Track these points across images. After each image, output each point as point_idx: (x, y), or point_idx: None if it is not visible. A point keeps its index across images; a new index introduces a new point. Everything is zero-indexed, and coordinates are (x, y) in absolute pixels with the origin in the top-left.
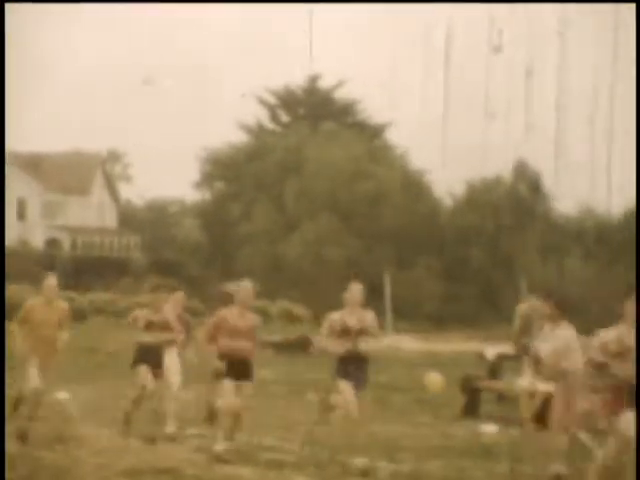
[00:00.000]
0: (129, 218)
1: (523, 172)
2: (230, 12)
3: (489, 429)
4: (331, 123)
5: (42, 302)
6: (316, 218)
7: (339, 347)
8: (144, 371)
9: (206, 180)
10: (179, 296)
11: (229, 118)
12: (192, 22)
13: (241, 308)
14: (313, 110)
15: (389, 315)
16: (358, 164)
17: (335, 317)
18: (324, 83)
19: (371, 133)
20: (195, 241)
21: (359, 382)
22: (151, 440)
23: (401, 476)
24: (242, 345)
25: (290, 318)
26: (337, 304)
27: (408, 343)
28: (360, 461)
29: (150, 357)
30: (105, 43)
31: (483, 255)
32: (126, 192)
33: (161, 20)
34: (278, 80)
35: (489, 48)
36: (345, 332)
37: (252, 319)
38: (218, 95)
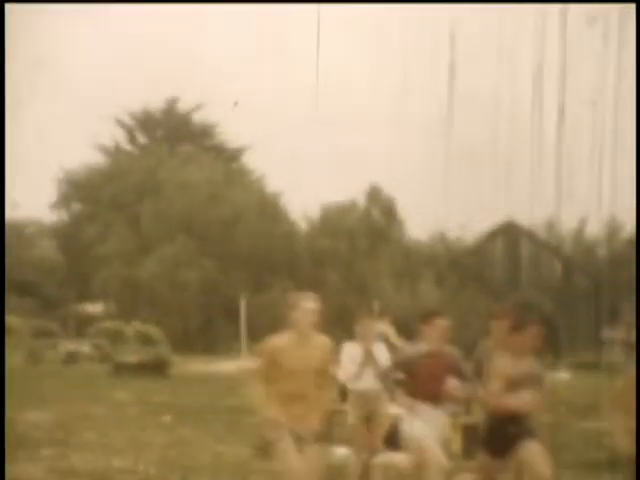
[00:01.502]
0: None
1: (377, 197)
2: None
3: (340, 452)
4: (189, 146)
5: (295, 340)
6: (172, 240)
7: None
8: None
9: (63, 201)
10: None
11: (86, 139)
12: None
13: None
14: (171, 132)
15: (244, 337)
16: (215, 187)
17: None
18: (183, 106)
19: (228, 156)
20: (51, 261)
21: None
22: None
23: None
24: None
25: (145, 339)
26: (193, 325)
27: None
28: None
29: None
30: None
31: (338, 278)
32: None
33: None
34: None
35: None
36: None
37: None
38: (75, 115)
